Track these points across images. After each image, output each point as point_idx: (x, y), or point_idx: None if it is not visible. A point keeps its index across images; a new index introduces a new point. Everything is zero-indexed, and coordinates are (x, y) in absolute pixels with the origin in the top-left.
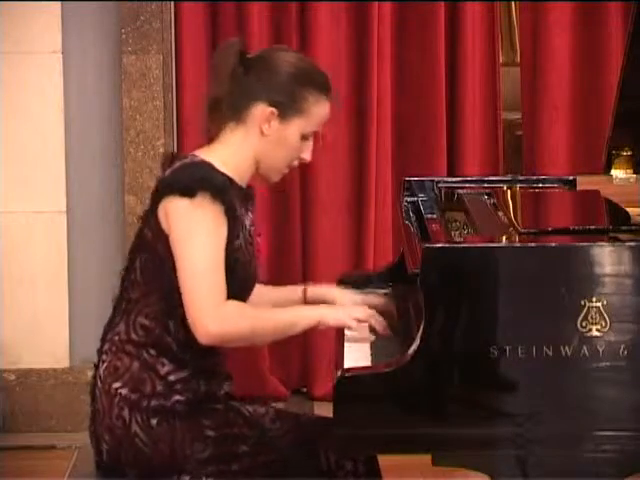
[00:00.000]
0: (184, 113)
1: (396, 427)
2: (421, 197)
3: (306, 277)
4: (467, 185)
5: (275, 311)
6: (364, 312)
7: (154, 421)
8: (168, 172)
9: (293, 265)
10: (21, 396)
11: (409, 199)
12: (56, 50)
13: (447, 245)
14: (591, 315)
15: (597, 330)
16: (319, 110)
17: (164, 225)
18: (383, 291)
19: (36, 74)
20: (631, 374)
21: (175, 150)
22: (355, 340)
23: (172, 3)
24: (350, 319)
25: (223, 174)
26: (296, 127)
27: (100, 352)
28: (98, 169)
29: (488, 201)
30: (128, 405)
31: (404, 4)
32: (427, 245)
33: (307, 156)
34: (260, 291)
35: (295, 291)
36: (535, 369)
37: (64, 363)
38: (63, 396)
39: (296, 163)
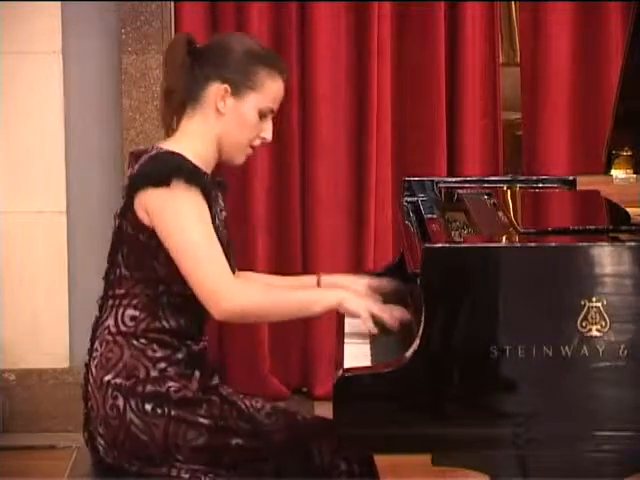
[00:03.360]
0: None
1: (396, 427)
2: (421, 197)
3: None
4: (467, 185)
5: (291, 290)
6: (381, 308)
7: (148, 407)
8: (137, 167)
9: (293, 265)
10: (21, 396)
11: (409, 199)
12: (56, 50)
13: (447, 245)
14: (591, 315)
15: (597, 330)
16: (272, 85)
17: (143, 218)
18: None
19: (36, 74)
20: (631, 374)
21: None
22: (356, 335)
23: (172, 3)
24: (366, 314)
25: (189, 162)
26: (251, 102)
27: (90, 351)
28: (98, 169)
29: (488, 201)
30: (122, 393)
31: (404, 4)
32: (427, 245)
33: (268, 135)
34: (272, 281)
35: (309, 280)
36: (535, 369)
37: (64, 363)
38: (63, 396)
39: (258, 142)
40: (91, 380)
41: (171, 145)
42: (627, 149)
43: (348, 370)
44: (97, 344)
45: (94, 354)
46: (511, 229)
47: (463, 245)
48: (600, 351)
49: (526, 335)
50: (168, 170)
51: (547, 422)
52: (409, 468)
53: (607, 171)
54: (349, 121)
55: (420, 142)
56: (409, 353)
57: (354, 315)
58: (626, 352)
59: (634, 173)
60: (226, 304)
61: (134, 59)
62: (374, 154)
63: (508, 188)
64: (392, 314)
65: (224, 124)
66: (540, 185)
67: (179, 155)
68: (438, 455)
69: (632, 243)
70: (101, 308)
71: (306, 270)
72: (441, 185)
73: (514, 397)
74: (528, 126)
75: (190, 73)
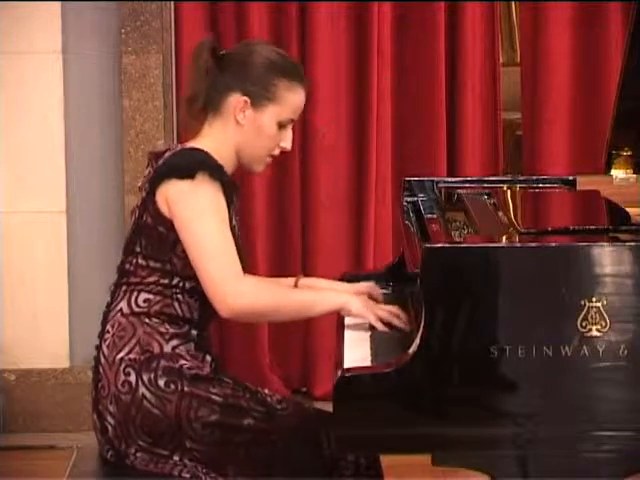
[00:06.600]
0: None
1: (396, 427)
2: (421, 197)
3: (306, 277)
4: (467, 185)
5: (296, 290)
6: (388, 312)
7: (162, 382)
8: (161, 161)
9: (293, 265)
10: (21, 396)
11: (409, 199)
12: (56, 50)
13: (447, 245)
14: (591, 315)
15: (597, 330)
16: (292, 97)
17: (164, 210)
18: (383, 291)
19: (36, 74)
20: (631, 374)
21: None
22: (356, 334)
23: (172, 3)
24: (374, 318)
25: (214, 158)
26: (270, 115)
27: (101, 334)
28: (98, 169)
29: (488, 201)
30: (136, 368)
31: (404, 4)
32: (427, 245)
33: (287, 144)
34: None
35: (286, 282)
36: (535, 369)
37: (64, 363)
38: (63, 396)
39: (277, 152)
40: (102, 360)
41: (193, 145)
42: (627, 149)
43: (348, 370)
44: (108, 326)
45: (105, 336)
46: (511, 229)
47: (463, 245)
48: (600, 351)
49: (526, 335)
50: (194, 163)
51: (547, 422)
52: (409, 468)
53: (607, 171)
54: (349, 121)
55: (420, 142)
56: (409, 353)
57: (360, 318)
58: (626, 352)
59: (634, 173)
60: (233, 302)
61: (134, 59)
62: (374, 154)
63: (508, 188)
64: (399, 320)
65: (243, 134)
66: (540, 185)
67: (203, 151)
68: (438, 455)
69: (632, 243)
70: (113, 294)
71: (306, 270)
72: (441, 185)
73: (514, 397)
74: (528, 126)
75: (213, 80)
